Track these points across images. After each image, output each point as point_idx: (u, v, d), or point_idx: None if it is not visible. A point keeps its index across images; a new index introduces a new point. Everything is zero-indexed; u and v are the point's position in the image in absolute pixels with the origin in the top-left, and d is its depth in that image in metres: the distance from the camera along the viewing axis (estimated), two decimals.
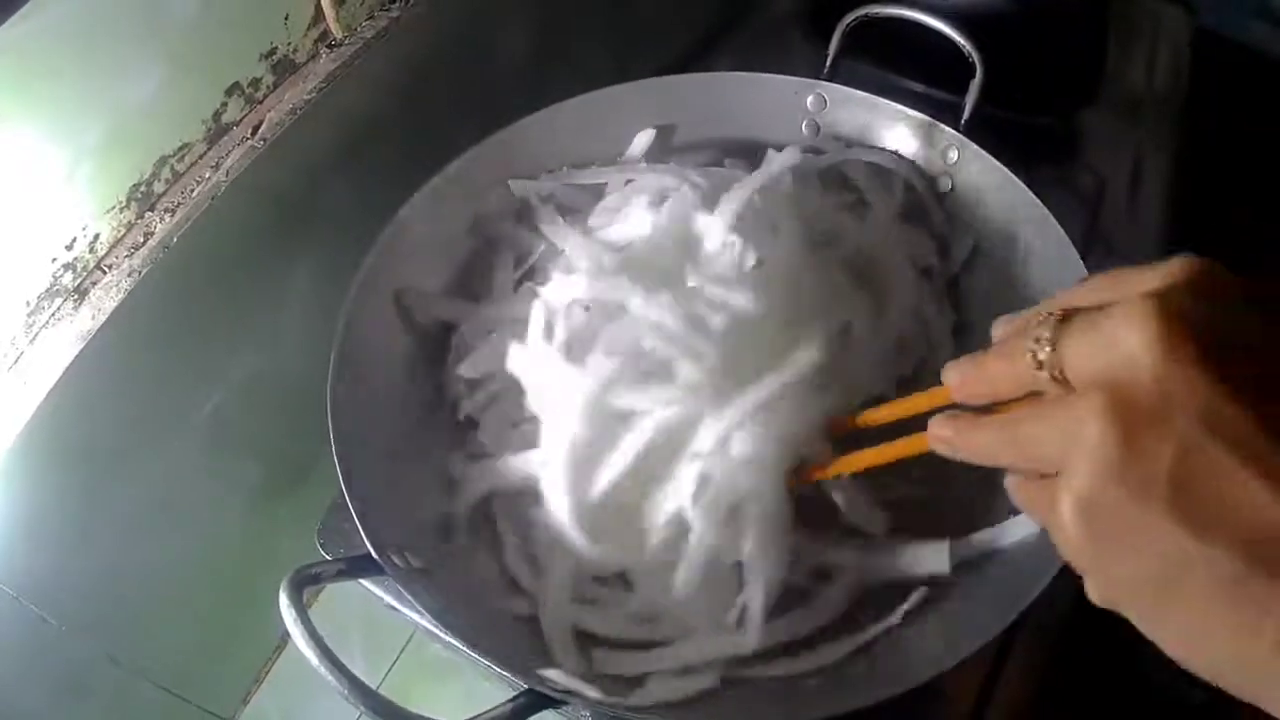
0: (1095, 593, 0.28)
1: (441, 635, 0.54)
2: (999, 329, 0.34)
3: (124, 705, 0.64)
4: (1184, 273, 0.27)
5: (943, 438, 0.33)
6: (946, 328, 0.59)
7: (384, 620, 0.67)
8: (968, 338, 0.59)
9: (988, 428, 0.32)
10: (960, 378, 0.33)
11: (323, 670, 0.40)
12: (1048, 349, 0.28)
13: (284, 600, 0.42)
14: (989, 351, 0.32)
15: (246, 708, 0.71)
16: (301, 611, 0.41)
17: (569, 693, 0.42)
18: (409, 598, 0.46)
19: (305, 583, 0.43)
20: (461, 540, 0.52)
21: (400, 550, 0.47)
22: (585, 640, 0.49)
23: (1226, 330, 0.26)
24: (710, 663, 0.47)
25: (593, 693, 0.43)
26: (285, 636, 0.72)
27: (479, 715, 0.41)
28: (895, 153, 0.62)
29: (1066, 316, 0.28)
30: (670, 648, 0.48)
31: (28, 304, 0.53)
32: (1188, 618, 0.26)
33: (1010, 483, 0.32)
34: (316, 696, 0.71)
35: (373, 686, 0.40)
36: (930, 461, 0.37)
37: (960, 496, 0.50)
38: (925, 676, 0.43)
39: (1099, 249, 0.69)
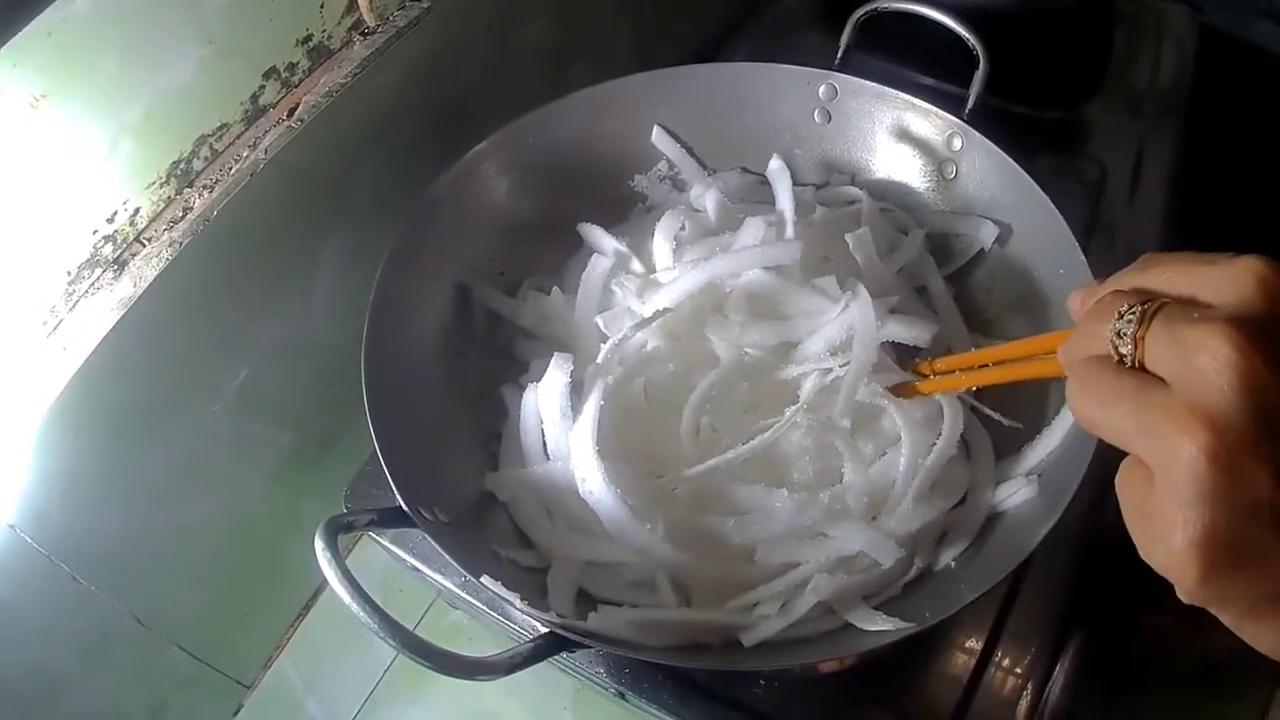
0: (1190, 596, 0.28)
1: (462, 594, 0.56)
2: (1076, 301, 0.35)
3: (147, 667, 0.66)
4: (1260, 288, 0.27)
5: (1073, 400, 0.32)
6: (960, 327, 0.61)
7: (403, 590, 0.70)
8: (972, 320, 0.62)
9: (1095, 398, 0.30)
10: (1065, 359, 0.33)
11: (356, 609, 0.42)
12: (1130, 346, 0.29)
13: (319, 545, 0.44)
14: (1077, 335, 0.32)
15: (267, 674, 0.73)
16: (336, 555, 0.43)
17: (590, 635, 0.44)
18: (435, 557, 0.47)
19: (340, 529, 0.45)
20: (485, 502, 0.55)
21: (429, 506, 0.49)
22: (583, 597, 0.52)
23: None
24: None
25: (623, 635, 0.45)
26: (307, 605, 0.75)
27: (505, 651, 0.43)
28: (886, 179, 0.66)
29: (1148, 311, 0.29)
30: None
31: (68, 273, 0.55)
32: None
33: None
34: (337, 664, 0.72)
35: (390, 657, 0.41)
36: None
37: None
38: (902, 635, 0.46)
39: (1100, 236, 0.71)
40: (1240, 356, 0.25)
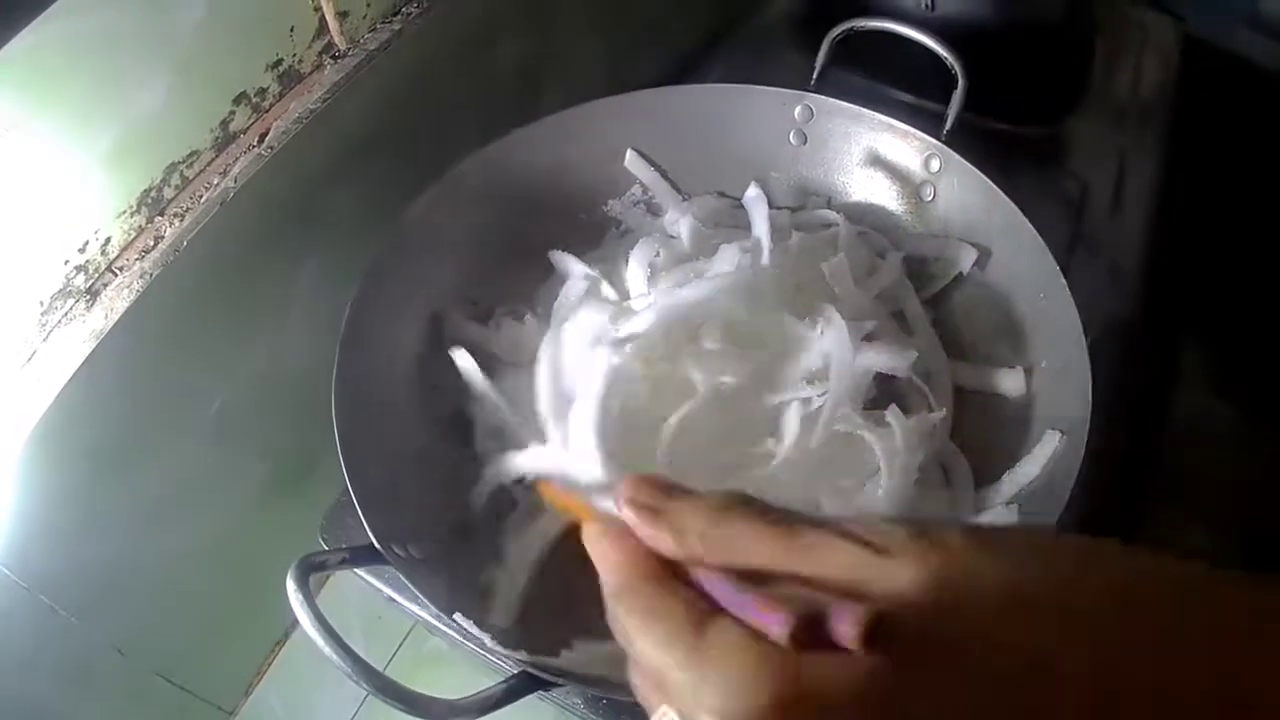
0: None
1: (439, 625, 0.56)
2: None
3: (129, 696, 0.66)
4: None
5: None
6: (939, 352, 0.61)
7: (382, 616, 0.69)
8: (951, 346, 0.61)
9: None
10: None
11: (329, 651, 0.41)
12: None
13: (291, 586, 0.43)
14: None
15: (248, 700, 0.72)
16: (309, 596, 0.43)
17: (562, 674, 0.44)
18: (410, 589, 0.47)
19: (311, 569, 0.45)
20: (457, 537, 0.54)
21: (402, 543, 0.48)
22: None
23: None
24: None
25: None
26: (288, 631, 0.74)
27: (474, 694, 0.42)
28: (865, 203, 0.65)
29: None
30: None
31: (41, 304, 0.54)
32: None
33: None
34: (317, 690, 0.72)
35: None
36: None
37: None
38: None
39: (1082, 252, 0.70)
40: None
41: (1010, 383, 0.56)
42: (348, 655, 0.42)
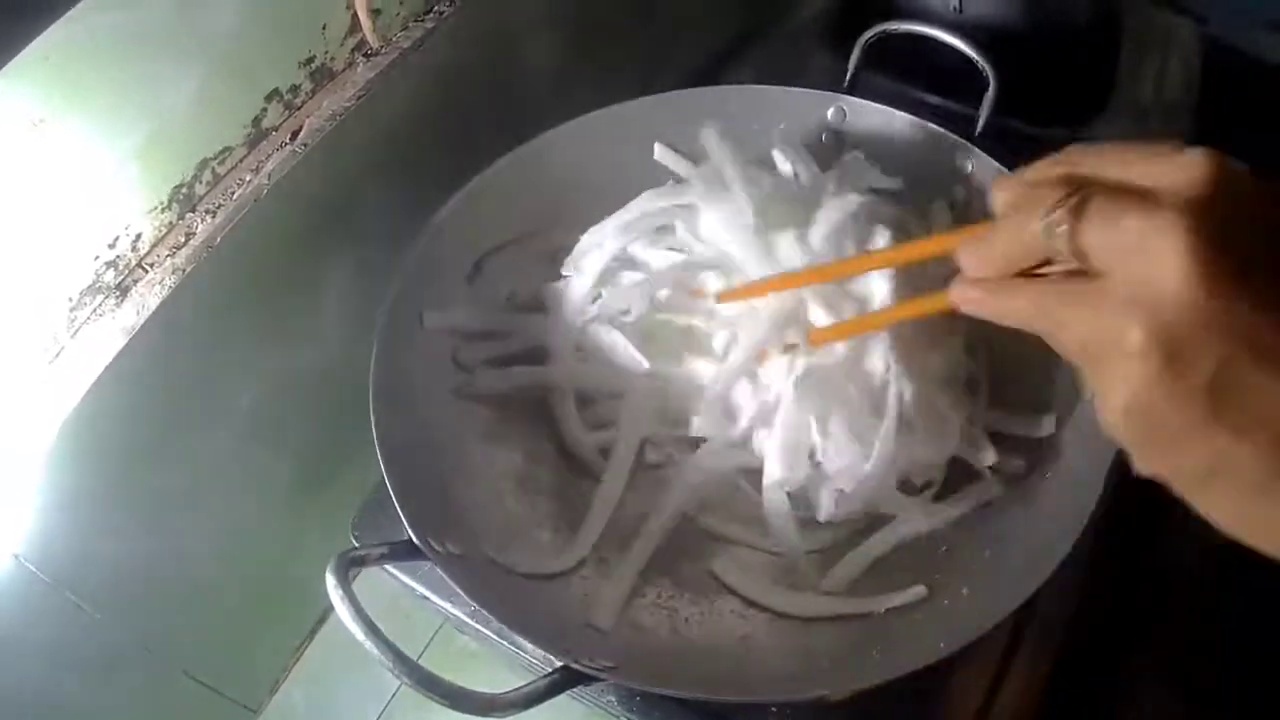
0: (1141, 469, 0.29)
1: (471, 623, 0.56)
2: (1001, 193, 0.33)
3: (155, 693, 0.65)
4: (1212, 179, 0.27)
5: (970, 299, 0.33)
6: None
7: (410, 615, 0.69)
8: None
9: (1020, 295, 0.31)
10: (974, 260, 0.33)
11: (368, 645, 0.42)
12: (1063, 230, 0.28)
13: (330, 580, 0.43)
14: (996, 229, 0.32)
15: (274, 698, 0.72)
16: (348, 590, 0.43)
17: (602, 669, 0.44)
18: (447, 583, 0.47)
19: (351, 564, 0.45)
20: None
21: (440, 537, 0.48)
22: None
23: (1254, 244, 0.26)
24: None
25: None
26: (314, 630, 0.74)
27: (516, 688, 0.42)
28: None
29: (1083, 197, 0.28)
30: None
31: (70, 300, 0.54)
32: (1229, 502, 0.28)
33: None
34: (343, 689, 0.72)
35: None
36: None
37: None
38: (918, 664, 0.44)
39: None
40: (1195, 241, 0.25)
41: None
42: (389, 650, 0.42)
